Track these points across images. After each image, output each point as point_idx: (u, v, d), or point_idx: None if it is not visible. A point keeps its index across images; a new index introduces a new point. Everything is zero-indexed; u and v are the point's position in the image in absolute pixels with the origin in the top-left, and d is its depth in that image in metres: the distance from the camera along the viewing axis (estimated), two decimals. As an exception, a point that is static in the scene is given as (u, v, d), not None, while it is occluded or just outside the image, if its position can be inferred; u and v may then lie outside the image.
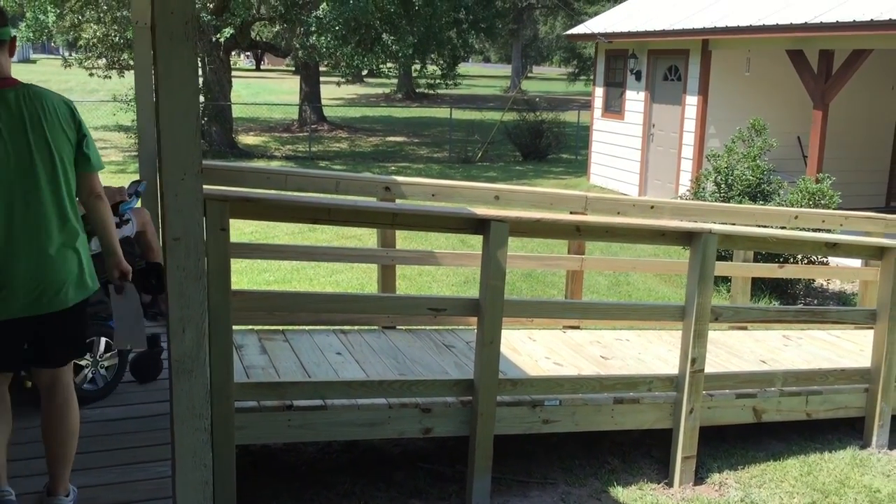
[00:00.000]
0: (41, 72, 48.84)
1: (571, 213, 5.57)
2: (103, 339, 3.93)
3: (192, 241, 2.32)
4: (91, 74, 20.14)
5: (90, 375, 3.87)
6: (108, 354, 3.95)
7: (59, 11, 17.51)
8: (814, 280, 8.67)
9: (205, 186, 4.22)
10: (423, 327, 5.43)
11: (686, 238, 4.51)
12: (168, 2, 2.07)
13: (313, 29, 17.02)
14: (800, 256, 7.75)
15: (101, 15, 18.42)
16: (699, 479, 4.60)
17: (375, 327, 5.35)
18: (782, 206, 8.27)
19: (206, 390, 2.51)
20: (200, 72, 19.52)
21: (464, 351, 5.01)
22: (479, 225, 4.02)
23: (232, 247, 4.59)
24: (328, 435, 4.11)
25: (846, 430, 5.22)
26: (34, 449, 3.38)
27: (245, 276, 8.22)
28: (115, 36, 18.32)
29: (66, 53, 23.80)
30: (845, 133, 12.15)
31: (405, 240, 9.14)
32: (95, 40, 19.05)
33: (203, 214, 2.46)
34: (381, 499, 4.19)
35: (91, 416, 3.69)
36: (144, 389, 3.98)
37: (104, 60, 19.53)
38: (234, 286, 7.48)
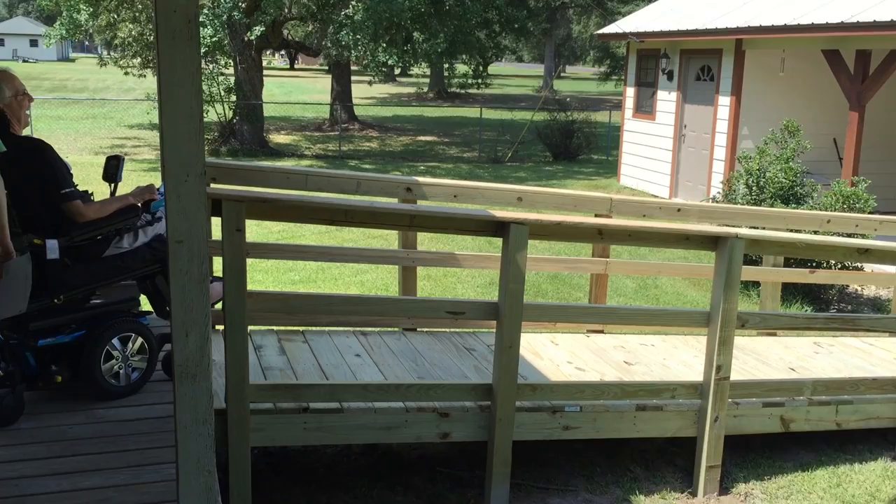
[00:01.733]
0: (80, 70, 49.69)
1: (596, 215, 5.47)
2: (139, 339, 3.95)
3: (195, 244, 2.28)
4: (126, 73, 20.39)
5: (117, 370, 3.88)
6: (140, 356, 3.96)
7: (92, 10, 17.71)
8: (848, 285, 8.47)
9: (223, 186, 4.23)
10: (443, 330, 5.37)
11: (712, 242, 4.39)
12: (170, 0, 2.03)
13: (346, 29, 17.04)
14: (833, 261, 7.57)
15: (137, 14, 18.64)
16: (724, 490, 4.49)
17: (396, 329, 5.31)
18: (815, 209, 8.09)
19: (209, 395, 2.48)
20: (233, 70, 19.66)
21: (484, 354, 4.94)
22: (498, 227, 3.95)
23: (252, 247, 4.59)
24: (344, 438, 4.07)
25: (877, 441, 5.07)
26: (53, 448, 3.39)
27: (270, 275, 8.23)
28: (150, 35, 18.50)
29: (104, 52, 24.13)
30: (883, 135, 11.88)
31: (431, 241, 9.09)
32: (131, 39, 19.28)
33: (207, 216, 2.42)
34: (398, 503, 4.14)
35: (105, 417, 3.69)
36: (158, 390, 3.98)
37: (139, 59, 19.75)
38: (260, 285, 7.58)
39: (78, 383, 3.83)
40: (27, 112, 3.84)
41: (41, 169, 3.74)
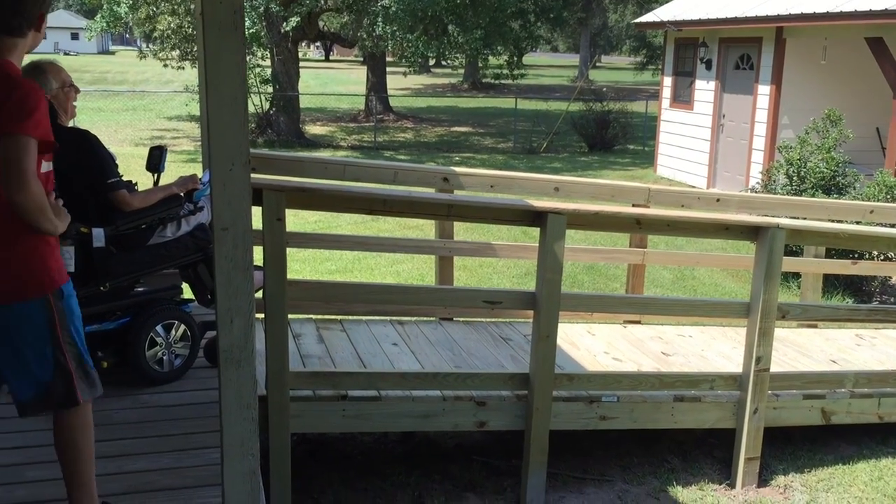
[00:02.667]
0: (119, 63, 50.31)
1: (634, 205, 5.44)
2: (182, 326, 4.02)
3: (239, 232, 2.32)
4: (165, 65, 20.64)
5: (160, 356, 3.95)
6: (182, 343, 4.03)
7: (132, 3, 17.95)
8: (891, 277, 8.32)
9: (262, 176, 4.27)
10: (480, 319, 5.38)
11: (752, 233, 4.35)
12: (216, -9, 2.07)
13: (380, 19, 17.08)
14: (875, 252, 7.45)
15: (175, 7, 18.84)
16: (763, 482, 4.46)
17: (433, 318, 5.33)
18: (858, 199, 7.96)
19: (253, 381, 2.53)
20: (269, 63, 19.80)
21: (520, 344, 4.95)
22: (535, 217, 3.95)
23: (290, 236, 4.63)
24: (382, 426, 4.10)
25: (921, 435, 5.00)
26: (99, 432, 3.46)
27: (308, 264, 8.31)
28: (189, 27, 18.71)
29: (143, 45, 24.47)
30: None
31: (467, 231, 9.10)
32: (169, 32, 19.49)
33: (251, 205, 2.46)
34: (435, 491, 4.17)
35: (149, 402, 3.77)
36: (200, 377, 4.05)
37: (178, 52, 19.97)
38: (297, 275, 7.65)
39: (123, 369, 3.91)
40: (73, 104, 3.91)
41: (87, 159, 3.82)
